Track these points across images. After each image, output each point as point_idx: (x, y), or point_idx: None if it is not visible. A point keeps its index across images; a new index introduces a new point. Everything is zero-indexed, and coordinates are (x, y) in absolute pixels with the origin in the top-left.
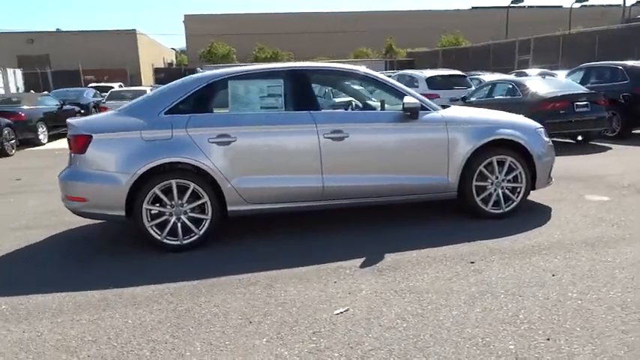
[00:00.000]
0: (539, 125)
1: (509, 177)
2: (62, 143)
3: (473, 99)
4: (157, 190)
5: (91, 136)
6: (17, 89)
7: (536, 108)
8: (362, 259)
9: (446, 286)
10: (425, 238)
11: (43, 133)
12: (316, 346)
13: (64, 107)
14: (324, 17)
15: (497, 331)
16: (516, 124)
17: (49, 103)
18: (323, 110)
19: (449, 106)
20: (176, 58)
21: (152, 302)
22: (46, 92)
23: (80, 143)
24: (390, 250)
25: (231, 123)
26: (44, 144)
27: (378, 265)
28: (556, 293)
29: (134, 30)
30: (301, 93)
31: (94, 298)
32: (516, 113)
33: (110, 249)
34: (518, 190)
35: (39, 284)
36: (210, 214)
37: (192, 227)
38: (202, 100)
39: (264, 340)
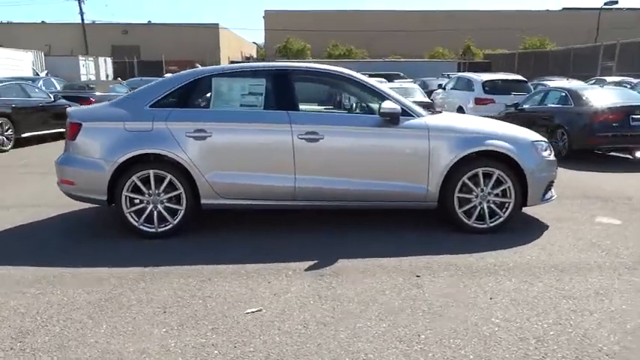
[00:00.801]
0: (537, 138)
1: (497, 191)
2: None
3: (525, 106)
4: (135, 178)
5: (81, 124)
6: (107, 76)
7: (588, 119)
8: (312, 262)
9: (373, 297)
10: (389, 247)
11: None
12: (205, 342)
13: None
14: (402, 15)
15: (386, 349)
16: (508, 136)
17: (120, 90)
18: (300, 111)
19: (440, 112)
20: (257, 52)
21: (97, 283)
22: (119, 79)
23: (72, 130)
24: (347, 256)
25: (208, 119)
26: None
27: (324, 269)
28: (478, 317)
29: (217, 24)
30: (281, 93)
31: (52, 274)
32: (568, 123)
33: (102, 232)
34: (507, 205)
35: (17, 258)
36: (184, 205)
37: (168, 217)
38: (186, 96)
39: (164, 330)
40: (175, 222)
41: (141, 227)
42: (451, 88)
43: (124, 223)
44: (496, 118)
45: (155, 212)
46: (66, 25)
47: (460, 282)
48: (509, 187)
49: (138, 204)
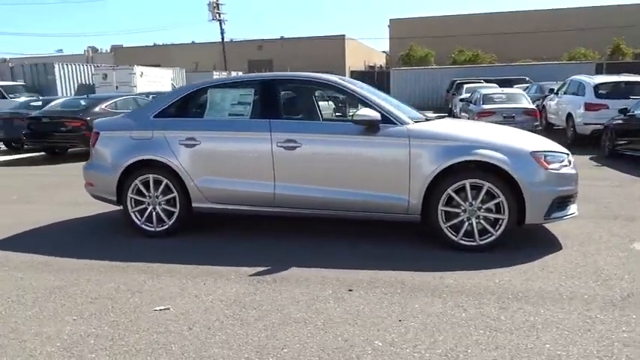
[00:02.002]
0: (539, 148)
1: (488, 206)
2: None
3: (637, 111)
4: (137, 182)
5: (99, 133)
6: None
7: None
8: (264, 268)
9: (283, 306)
10: (354, 259)
11: None
12: (94, 332)
13: None
14: (530, 15)
15: (238, 357)
16: (501, 145)
17: None
18: (284, 119)
19: (444, 117)
20: (386, 61)
21: (74, 273)
22: None
23: (94, 139)
24: (301, 265)
25: (198, 127)
26: None
27: (268, 275)
28: (364, 338)
29: (343, 35)
30: (265, 102)
31: (45, 262)
32: None
33: (119, 230)
34: (500, 222)
35: (37, 247)
36: (178, 208)
37: (165, 218)
38: (184, 107)
39: (74, 318)
40: (170, 223)
41: (142, 226)
42: (564, 93)
43: (129, 222)
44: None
45: (154, 213)
46: (210, 44)
47: (386, 300)
48: (501, 201)
49: (140, 205)
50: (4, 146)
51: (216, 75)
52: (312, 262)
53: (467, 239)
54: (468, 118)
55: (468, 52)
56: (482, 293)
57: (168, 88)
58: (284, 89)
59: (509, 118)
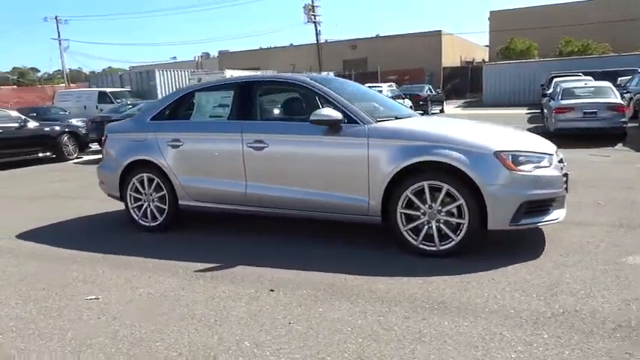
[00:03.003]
0: (505, 148)
1: (449, 209)
2: None
3: None
4: (135, 180)
5: (107, 136)
6: None
7: None
8: (212, 265)
9: (192, 301)
10: (309, 259)
11: None
12: (19, 315)
13: None
14: None
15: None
16: (464, 145)
17: None
18: (253, 120)
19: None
20: (489, 56)
21: (52, 263)
22: None
23: (104, 141)
24: (249, 264)
25: (182, 129)
26: None
27: (209, 272)
28: (238, 337)
29: (439, 31)
30: (241, 103)
31: (41, 252)
32: None
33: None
34: (461, 226)
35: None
36: (167, 205)
37: (157, 214)
38: (176, 109)
39: (15, 302)
40: (161, 219)
41: (139, 221)
42: None
43: (129, 217)
44: None
45: (149, 209)
46: (306, 45)
47: (297, 302)
48: (461, 204)
49: (138, 201)
50: (98, 146)
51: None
52: (265, 262)
53: (427, 244)
54: (545, 116)
55: (577, 42)
56: (400, 301)
57: None
58: (260, 91)
59: (589, 115)
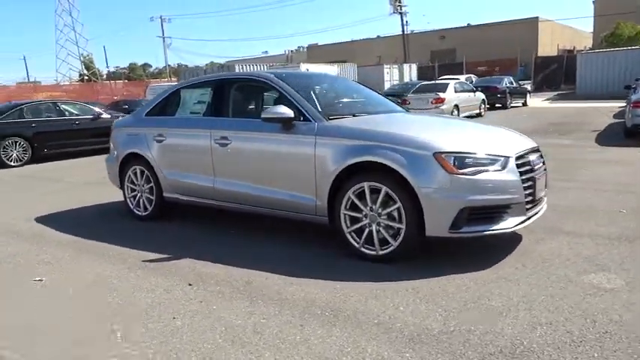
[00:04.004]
0: (447, 149)
1: (389, 212)
2: None
3: None
4: (130, 172)
5: (113, 130)
6: (410, 79)
7: None
8: (163, 256)
9: (108, 290)
10: (260, 258)
11: None
12: None
13: None
14: None
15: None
16: (406, 144)
17: None
18: (222, 117)
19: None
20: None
21: (44, 244)
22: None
23: (111, 134)
24: (199, 257)
25: (166, 125)
26: None
27: (153, 263)
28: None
29: (536, 17)
30: (215, 100)
31: (39, 233)
32: None
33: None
34: (400, 231)
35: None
36: (154, 196)
37: (147, 205)
38: (165, 106)
39: None
40: (150, 209)
41: (134, 210)
42: None
43: (126, 206)
44: None
45: (141, 200)
46: (392, 37)
47: (201, 297)
48: (399, 207)
49: (134, 192)
50: None
51: (387, 69)
52: (212, 257)
53: (369, 247)
54: (626, 111)
55: None
56: (297, 305)
57: None
58: (232, 89)
59: None
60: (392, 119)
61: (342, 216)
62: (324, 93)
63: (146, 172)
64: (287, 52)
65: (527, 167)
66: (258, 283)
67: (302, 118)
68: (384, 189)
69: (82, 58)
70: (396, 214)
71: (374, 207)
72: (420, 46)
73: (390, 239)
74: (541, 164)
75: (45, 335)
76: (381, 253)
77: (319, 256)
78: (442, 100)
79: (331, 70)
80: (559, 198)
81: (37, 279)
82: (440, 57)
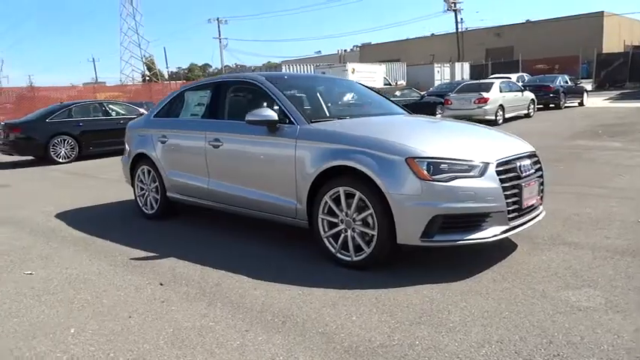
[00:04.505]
0: (422, 154)
1: (363, 217)
2: None
3: None
4: (139, 171)
5: (127, 131)
6: (462, 78)
7: None
8: (149, 254)
9: (81, 288)
10: (244, 259)
11: None
12: None
13: (425, 99)
14: None
15: None
16: (380, 149)
17: (413, 95)
18: (216, 119)
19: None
20: None
21: (51, 239)
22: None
23: (125, 135)
24: (184, 258)
25: (168, 127)
26: None
27: (137, 261)
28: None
29: (601, 12)
30: (212, 103)
31: (54, 228)
32: None
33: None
34: (373, 237)
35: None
36: (160, 195)
37: (154, 203)
38: (171, 108)
39: None
40: (156, 208)
41: (142, 209)
42: None
43: (136, 205)
44: None
45: (149, 199)
46: (447, 35)
47: (168, 297)
48: (371, 214)
49: (142, 190)
50: None
51: (437, 68)
52: (196, 258)
53: (345, 253)
54: None
55: None
56: (240, 307)
57: (379, 84)
58: (227, 91)
59: None
60: (379, 122)
61: (319, 220)
62: (316, 95)
63: (152, 171)
64: (340, 52)
65: (513, 174)
66: (226, 285)
67: (287, 121)
68: (357, 194)
69: (143, 59)
70: (370, 220)
71: (349, 212)
72: (475, 44)
73: (364, 246)
74: (533, 171)
75: (2, 324)
76: (355, 259)
77: (298, 261)
78: (485, 100)
79: (378, 69)
80: (578, 205)
81: (28, 272)
82: (496, 55)
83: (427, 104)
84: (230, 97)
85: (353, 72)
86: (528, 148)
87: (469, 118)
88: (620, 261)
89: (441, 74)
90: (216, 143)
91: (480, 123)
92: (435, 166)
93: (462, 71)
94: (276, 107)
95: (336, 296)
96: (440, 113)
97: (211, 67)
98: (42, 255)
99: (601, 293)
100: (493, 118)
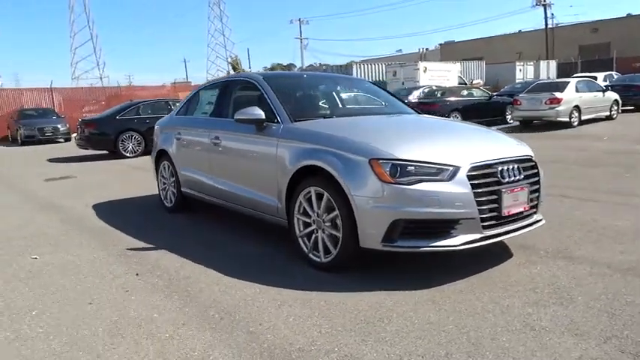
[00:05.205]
0: (388, 156)
1: (331, 218)
2: None
3: None
4: (161, 167)
5: (155, 128)
6: (547, 77)
7: None
8: (148, 245)
9: (70, 279)
10: (232, 258)
11: None
12: None
13: (493, 99)
14: None
15: None
16: (349, 148)
17: (479, 95)
18: (219, 117)
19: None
20: None
21: (76, 225)
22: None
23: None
24: (178, 253)
25: (182, 124)
26: None
27: (132, 252)
28: (25, 297)
29: None
30: (218, 101)
31: (82, 215)
32: None
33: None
34: (339, 239)
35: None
36: (176, 190)
37: (172, 198)
38: (189, 106)
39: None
40: (174, 202)
41: (164, 202)
42: None
43: (159, 198)
44: None
45: (169, 193)
46: (535, 31)
47: (134, 287)
48: (337, 215)
49: (164, 185)
50: None
51: (519, 66)
52: (186, 252)
53: (316, 254)
54: None
55: None
56: (200, 303)
57: (453, 82)
58: (232, 90)
59: None
60: (364, 122)
61: (295, 220)
62: (311, 95)
63: (170, 167)
64: (421, 50)
65: (491, 179)
66: (194, 279)
67: (275, 120)
68: (325, 195)
69: (229, 59)
70: (338, 221)
71: (319, 213)
72: (567, 41)
73: (331, 247)
74: (521, 177)
75: None
76: (324, 260)
77: (279, 260)
78: (558, 101)
79: (452, 68)
80: (614, 217)
81: (34, 257)
82: (590, 52)
83: (495, 105)
84: (232, 97)
85: (425, 71)
86: (519, 152)
87: (540, 120)
88: (617, 280)
89: (524, 73)
90: (216, 141)
91: (554, 125)
92: (402, 168)
93: (548, 70)
94: (268, 106)
95: (288, 297)
96: (509, 115)
97: (295, 66)
98: (56, 242)
99: (570, 313)
100: (567, 119)
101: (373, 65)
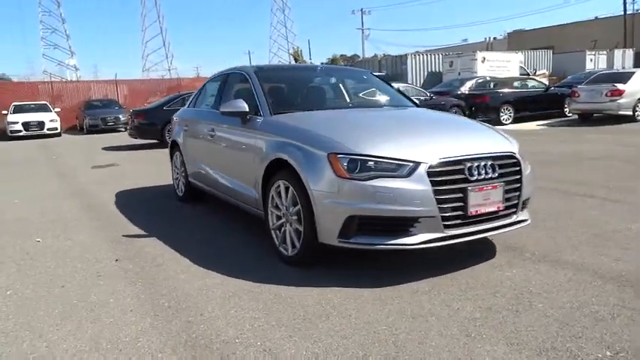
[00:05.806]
0: (346, 150)
1: (295, 211)
2: (525, 126)
3: None
4: (174, 157)
5: (172, 120)
6: (622, 67)
7: None
8: (145, 234)
9: (59, 254)
10: (222, 249)
11: (507, 115)
12: None
13: (550, 90)
14: None
15: None
16: (312, 142)
17: (533, 86)
18: (215, 110)
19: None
20: None
21: (91, 210)
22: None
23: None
24: (169, 243)
25: (189, 116)
26: (505, 124)
27: (126, 238)
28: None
29: None
30: (219, 94)
31: (106, 200)
32: None
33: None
34: (301, 234)
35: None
36: (184, 181)
37: (182, 187)
38: (198, 98)
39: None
40: (183, 192)
41: (177, 191)
42: None
43: (173, 188)
44: None
45: (180, 182)
46: (613, 18)
47: (109, 274)
48: (299, 209)
49: (176, 174)
50: None
51: (590, 55)
52: (174, 240)
53: (284, 247)
54: None
55: None
56: (157, 292)
57: (514, 73)
58: (231, 82)
59: None
60: (343, 115)
61: (269, 212)
62: (299, 87)
63: (180, 157)
64: (487, 40)
65: (456, 176)
66: (164, 267)
67: (259, 113)
68: (290, 188)
69: (290, 51)
70: (301, 215)
71: (287, 206)
72: None
73: (296, 241)
74: (493, 175)
75: None
76: (290, 254)
77: (253, 252)
78: (620, 93)
79: (513, 58)
80: (630, 220)
81: (38, 240)
82: None
83: (552, 97)
84: (229, 89)
85: (483, 61)
86: (497, 148)
87: (600, 114)
88: (594, 288)
89: (595, 63)
90: (212, 133)
91: (615, 119)
92: (362, 164)
93: (624, 59)
94: (254, 99)
95: (242, 289)
96: (566, 107)
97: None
98: (65, 227)
99: (518, 321)
100: (630, 113)
101: (429, 56)
